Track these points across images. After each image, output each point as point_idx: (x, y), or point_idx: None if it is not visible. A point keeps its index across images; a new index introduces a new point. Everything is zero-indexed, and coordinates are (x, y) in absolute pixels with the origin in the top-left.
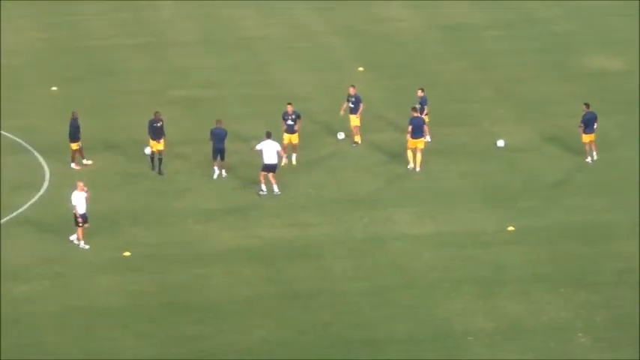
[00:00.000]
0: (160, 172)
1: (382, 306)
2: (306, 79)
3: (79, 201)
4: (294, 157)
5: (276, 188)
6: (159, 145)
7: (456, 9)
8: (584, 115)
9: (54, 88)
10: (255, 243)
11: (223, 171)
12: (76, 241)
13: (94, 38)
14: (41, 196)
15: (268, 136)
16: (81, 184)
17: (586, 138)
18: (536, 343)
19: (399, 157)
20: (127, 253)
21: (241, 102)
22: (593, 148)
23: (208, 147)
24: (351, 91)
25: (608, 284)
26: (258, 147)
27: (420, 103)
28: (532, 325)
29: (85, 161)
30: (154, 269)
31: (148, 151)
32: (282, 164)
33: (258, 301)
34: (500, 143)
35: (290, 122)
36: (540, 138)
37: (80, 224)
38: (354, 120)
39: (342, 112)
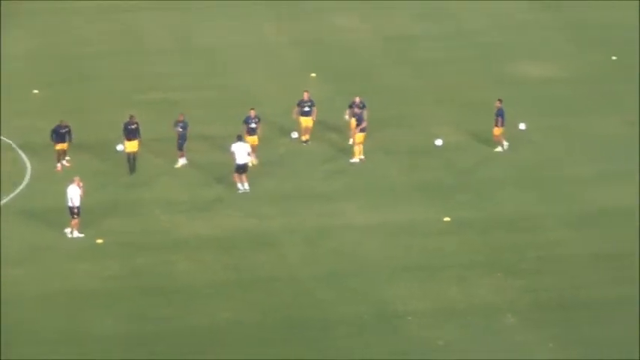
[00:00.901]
0: (133, 170)
1: (333, 289)
2: (263, 84)
3: (74, 194)
4: (253, 157)
5: (247, 186)
6: (133, 146)
7: (399, 21)
8: (498, 109)
9: (35, 91)
10: (218, 232)
11: (183, 159)
12: (69, 233)
13: (73, 45)
14: (23, 189)
15: (239, 138)
16: (77, 179)
17: (497, 130)
18: (469, 322)
19: (347, 154)
20: (100, 241)
21: (205, 105)
22: (503, 139)
23: (174, 143)
24: (305, 96)
25: (533, 270)
26: (232, 149)
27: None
28: (465, 307)
29: (64, 162)
30: (126, 256)
31: (120, 148)
32: (251, 164)
33: (222, 286)
34: (438, 142)
35: (253, 125)
36: (474, 138)
37: (75, 216)
38: (307, 121)
39: (294, 116)
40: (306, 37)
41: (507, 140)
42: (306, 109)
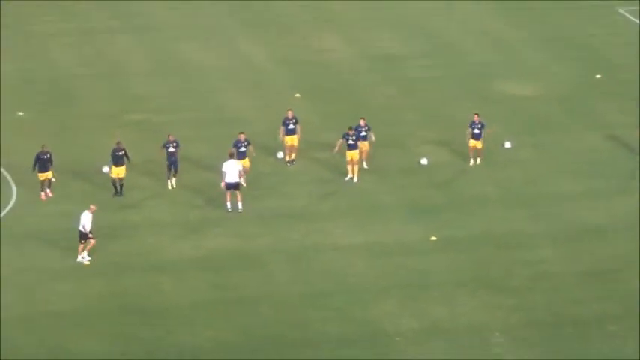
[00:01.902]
0: (120, 194)
1: (319, 309)
2: (247, 105)
3: (87, 221)
4: (242, 179)
5: (240, 206)
6: (120, 172)
7: (384, 42)
8: (473, 123)
9: (20, 113)
10: (203, 253)
11: (174, 181)
12: (79, 258)
13: (56, 68)
14: (8, 211)
15: (231, 156)
16: (93, 207)
17: (472, 143)
18: (458, 341)
19: (334, 173)
20: (87, 262)
21: (189, 126)
22: (479, 154)
23: (162, 164)
24: (289, 114)
25: (521, 288)
26: (223, 168)
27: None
28: (454, 326)
29: (48, 191)
30: (111, 276)
31: (105, 170)
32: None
33: (207, 305)
34: (424, 161)
35: (242, 149)
36: (459, 157)
37: (91, 238)
38: (292, 140)
39: (280, 136)
40: (290, 58)
41: (492, 158)
42: (291, 126)
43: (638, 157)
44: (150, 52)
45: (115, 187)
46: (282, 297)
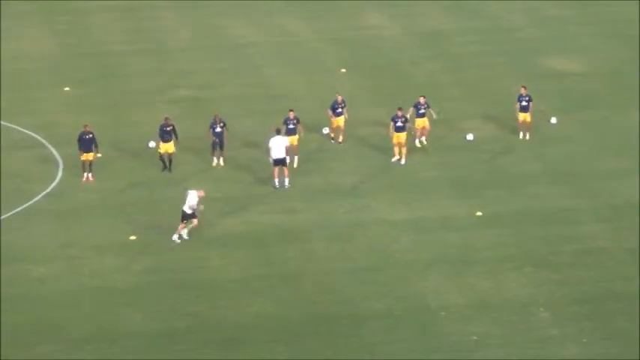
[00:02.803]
0: (169, 170)
1: (362, 284)
2: (294, 81)
3: (193, 201)
4: (296, 158)
5: (287, 182)
6: (169, 147)
7: (430, 18)
8: (521, 95)
9: (67, 89)
10: (249, 228)
11: (222, 160)
12: (176, 236)
13: (100, 44)
14: (55, 186)
15: (277, 132)
16: (202, 191)
17: (522, 117)
18: (502, 317)
19: (378, 150)
20: (133, 237)
21: (235, 101)
22: (527, 127)
23: (207, 141)
24: (339, 98)
25: (566, 264)
26: (269, 144)
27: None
28: (498, 301)
29: (89, 175)
30: (157, 252)
31: (152, 144)
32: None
33: (252, 281)
34: (470, 137)
35: (291, 126)
36: (505, 132)
37: (194, 218)
38: (340, 121)
39: (331, 118)
40: (335, 35)
41: (539, 134)
42: (291, 126)
43: (519, 135)
44: (194, 28)
45: (164, 162)
46: (327, 273)
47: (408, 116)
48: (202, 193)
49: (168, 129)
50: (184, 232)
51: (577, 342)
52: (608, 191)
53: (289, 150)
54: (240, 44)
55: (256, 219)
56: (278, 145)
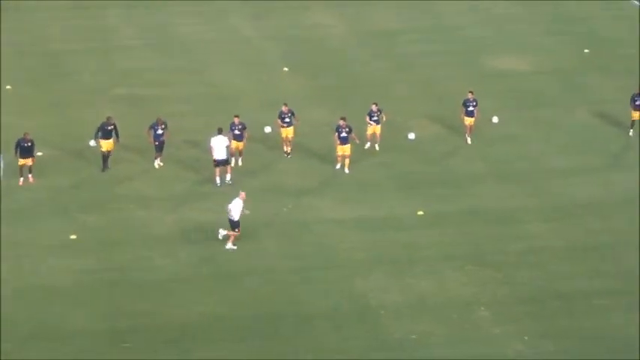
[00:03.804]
0: (108, 167)
1: (308, 283)
2: (239, 80)
3: (236, 209)
4: (240, 159)
5: (228, 177)
6: (109, 145)
7: (378, 17)
8: (468, 100)
9: (8, 87)
10: (194, 227)
11: (159, 159)
12: (229, 246)
13: (45, 42)
14: None
15: (219, 132)
16: (243, 194)
17: (467, 121)
18: (442, 316)
19: (323, 150)
20: (74, 237)
21: (180, 100)
22: (471, 130)
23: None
24: (284, 108)
25: (509, 263)
26: (210, 143)
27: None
28: (439, 300)
29: (30, 177)
30: (100, 251)
31: (92, 143)
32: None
33: (196, 280)
34: (412, 136)
35: (237, 132)
36: (451, 132)
37: (236, 229)
38: (289, 132)
39: (279, 129)
40: (280, 33)
41: (483, 133)
42: (237, 132)
43: (629, 132)
44: (141, 26)
45: (104, 161)
46: (272, 272)
47: (351, 127)
48: (244, 195)
49: (109, 128)
50: (229, 243)
51: (519, 340)
52: (553, 190)
53: (232, 151)
54: (187, 43)
55: (200, 218)
56: (219, 145)
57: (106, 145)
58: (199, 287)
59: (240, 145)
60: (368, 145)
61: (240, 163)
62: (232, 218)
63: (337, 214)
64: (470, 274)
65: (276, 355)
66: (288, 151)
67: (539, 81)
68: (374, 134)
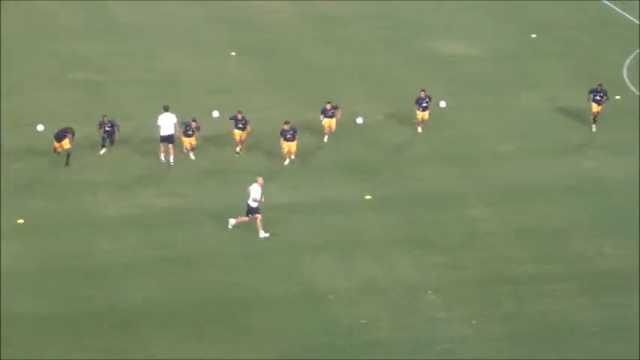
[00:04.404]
0: (68, 164)
1: (254, 268)
2: (187, 65)
3: (256, 194)
4: (191, 154)
5: (171, 159)
6: (65, 144)
7: (326, 2)
8: (420, 98)
9: None
10: (139, 211)
11: (105, 150)
12: (263, 234)
13: None
14: None
15: (166, 109)
16: (260, 179)
17: (420, 115)
18: (389, 299)
19: (269, 135)
20: (21, 221)
21: (126, 85)
22: (426, 124)
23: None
24: (238, 116)
25: (455, 247)
26: (158, 122)
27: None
28: (386, 284)
29: None
30: (47, 236)
31: (40, 128)
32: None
33: (142, 265)
34: (359, 121)
35: (190, 132)
36: (396, 116)
37: (257, 214)
38: (243, 135)
39: (234, 131)
40: (227, 17)
41: (430, 118)
42: (190, 132)
43: (592, 128)
44: (86, 12)
45: (67, 158)
46: (218, 256)
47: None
48: (261, 181)
49: (66, 134)
50: (261, 231)
51: (466, 324)
52: (499, 175)
53: (177, 127)
54: (130, 28)
55: (147, 202)
56: (167, 122)
57: (61, 144)
58: (145, 272)
59: (193, 141)
60: (326, 138)
61: (192, 155)
62: (252, 204)
63: (284, 198)
64: (417, 258)
65: (220, 340)
66: (237, 151)
67: (486, 67)
68: (330, 127)
